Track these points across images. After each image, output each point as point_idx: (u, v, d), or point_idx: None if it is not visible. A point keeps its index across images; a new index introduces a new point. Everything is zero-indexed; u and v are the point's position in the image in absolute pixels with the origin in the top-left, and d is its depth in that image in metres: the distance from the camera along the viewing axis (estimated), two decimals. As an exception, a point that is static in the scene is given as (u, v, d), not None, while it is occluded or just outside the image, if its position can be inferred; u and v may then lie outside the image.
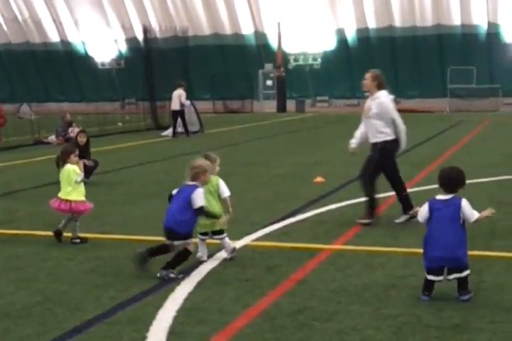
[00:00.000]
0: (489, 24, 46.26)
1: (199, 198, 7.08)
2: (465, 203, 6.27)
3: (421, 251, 7.96)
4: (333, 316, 5.88)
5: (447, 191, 6.37)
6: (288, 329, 5.61)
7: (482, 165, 15.73)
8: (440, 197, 6.40)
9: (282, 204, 11.25)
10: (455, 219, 6.25)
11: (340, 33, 49.01)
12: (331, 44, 49.41)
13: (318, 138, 25.78)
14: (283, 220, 9.90)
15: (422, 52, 47.10)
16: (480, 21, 46.40)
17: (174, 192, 7.35)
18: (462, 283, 6.21)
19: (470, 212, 6.27)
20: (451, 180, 6.40)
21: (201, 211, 7.12)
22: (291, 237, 8.84)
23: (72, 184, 8.72)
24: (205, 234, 7.74)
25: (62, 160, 8.93)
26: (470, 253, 7.74)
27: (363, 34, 48.33)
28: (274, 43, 48.74)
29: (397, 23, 47.67)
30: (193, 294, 6.55)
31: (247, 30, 51.17)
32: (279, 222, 9.75)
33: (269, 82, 49.48)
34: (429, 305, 6.13)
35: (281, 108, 45.23)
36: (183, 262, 7.13)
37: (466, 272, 6.18)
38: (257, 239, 8.78)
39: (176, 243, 7.11)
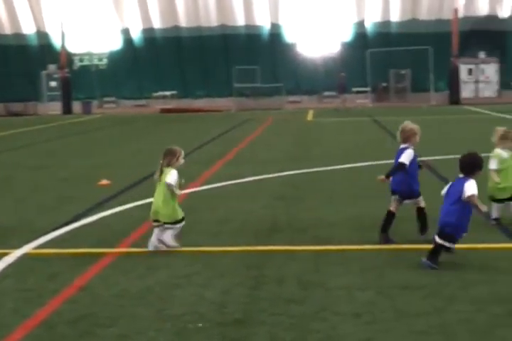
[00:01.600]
0: (272, 25, 47.88)
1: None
2: (469, 183, 7.01)
3: (207, 249, 8.11)
4: (116, 321, 5.78)
5: (464, 174, 7.15)
6: (68, 337, 5.43)
7: (266, 162, 16.22)
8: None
9: (66, 209, 10.93)
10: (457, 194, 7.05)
11: (126, 33, 48.63)
12: (116, 44, 48.88)
13: (106, 139, 25.39)
14: (66, 225, 9.60)
15: (207, 53, 47.83)
16: (263, 22, 47.89)
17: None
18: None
19: (468, 189, 6.95)
20: (466, 164, 7.17)
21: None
22: (75, 243, 8.59)
23: None
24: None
25: None
26: (252, 248, 7.98)
27: (149, 34, 48.27)
28: (57, 43, 47.41)
29: (183, 23, 48.06)
30: (-33, 308, 6.18)
31: (28, 29, 49.39)
32: (63, 228, 9.45)
33: (53, 83, 48.05)
34: (212, 301, 6.19)
35: (67, 110, 44.10)
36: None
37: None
38: (38, 247, 8.44)
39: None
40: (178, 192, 8.24)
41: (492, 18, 46.50)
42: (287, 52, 47.48)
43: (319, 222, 9.44)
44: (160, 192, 8.18)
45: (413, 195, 8.30)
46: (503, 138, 9.09)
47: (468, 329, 5.42)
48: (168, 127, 30.00)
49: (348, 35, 47.74)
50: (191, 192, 12.16)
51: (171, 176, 8.13)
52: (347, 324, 5.59)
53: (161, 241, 8.02)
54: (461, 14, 44.67)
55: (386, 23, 47.38)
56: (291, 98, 46.58)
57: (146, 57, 48.03)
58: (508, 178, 8.95)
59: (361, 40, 47.15)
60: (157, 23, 48.26)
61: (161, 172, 8.25)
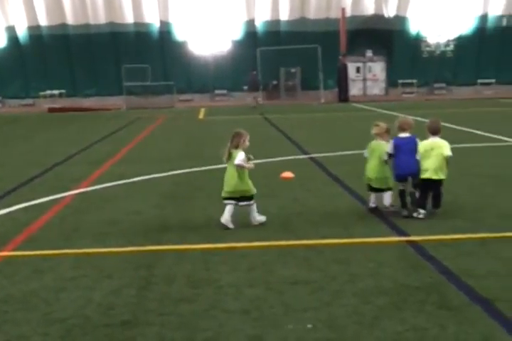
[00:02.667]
0: (161, 23, 47.52)
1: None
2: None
3: (95, 250, 7.97)
4: (-2, 327, 5.60)
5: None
6: None
7: (157, 161, 16.08)
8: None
9: None
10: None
11: (11, 30, 47.19)
12: (1, 42, 47.38)
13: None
14: None
15: (96, 51, 47.02)
16: (152, 20, 47.47)
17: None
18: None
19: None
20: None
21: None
22: (-44, 247, 8.27)
23: None
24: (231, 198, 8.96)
25: None
26: (141, 248, 7.88)
27: (35, 32, 46.99)
28: None
29: (70, 21, 47.07)
30: None
31: None
32: None
33: None
34: (99, 303, 6.08)
35: (-49, 109, 42.52)
36: None
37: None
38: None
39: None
40: (250, 165, 9.09)
41: (378, 18, 47.70)
42: (178, 51, 47.25)
43: (210, 221, 9.42)
44: (233, 173, 9.00)
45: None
46: (387, 131, 9.55)
47: (355, 321, 5.53)
48: (56, 127, 29.32)
49: (238, 33, 47.95)
50: (79, 193, 11.92)
51: (239, 156, 8.94)
52: (235, 321, 5.60)
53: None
54: (348, 13, 45.63)
55: (275, 22, 47.85)
56: (183, 96, 46.42)
57: (32, 55, 46.77)
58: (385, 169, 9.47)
59: (251, 39, 47.46)
60: (43, 21, 47.06)
61: (229, 154, 9.04)
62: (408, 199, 9.32)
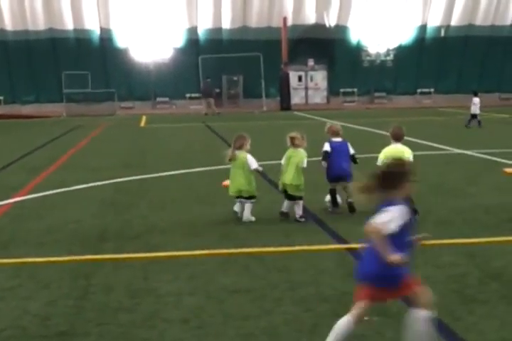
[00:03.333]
0: (101, 29, 47.10)
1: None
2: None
3: (32, 260, 7.83)
4: None
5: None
6: None
7: (98, 169, 15.89)
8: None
9: None
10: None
11: None
12: None
13: None
14: None
15: (35, 57, 46.28)
16: (92, 26, 47.02)
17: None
18: None
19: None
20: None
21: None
22: None
23: None
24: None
25: None
26: (79, 257, 7.77)
27: (-28, 37, 46.12)
28: None
29: (8, 26, 46.29)
30: None
31: None
32: None
33: None
34: (35, 314, 5.97)
35: None
36: None
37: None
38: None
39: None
40: (261, 168, 10.07)
41: (320, 27, 48.11)
42: (119, 58, 46.85)
43: (151, 229, 9.35)
44: (240, 173, 9.81)
45: None
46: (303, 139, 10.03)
47: (295, 329, 5.54)
48: (-5, 134, 28.78)
49: (180, 41, 47.84)
50: (16, 202, 11.70)
51: (251, 160, 9.80)
52: (175, 330, 5.56)
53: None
54: (290, 22, 45.94)
55: (217, 30, 47.89)
56: (124, 104, 46.03)
57: (-31, 61, 45.86)
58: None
59: (193, 47, 47.38)
60: (-20, 26, 46.18)
61: (234, 155, 9.84)
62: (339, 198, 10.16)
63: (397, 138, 9.72)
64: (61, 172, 15.38)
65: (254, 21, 47.82)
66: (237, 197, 9.90)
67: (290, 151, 9.90)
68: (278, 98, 44.35)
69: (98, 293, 6.55)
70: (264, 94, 44.26)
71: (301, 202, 9.80)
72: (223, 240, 8.60)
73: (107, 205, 11.20)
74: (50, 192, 12.66)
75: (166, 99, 47.80)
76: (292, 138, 9.83)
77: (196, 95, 46.03)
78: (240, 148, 9.87)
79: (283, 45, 43.55)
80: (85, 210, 10.77)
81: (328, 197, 10.29)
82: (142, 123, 33.46)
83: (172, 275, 7.09)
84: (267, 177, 13.72)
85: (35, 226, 9.70)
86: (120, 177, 14.25)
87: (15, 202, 11.63)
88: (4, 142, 24.51)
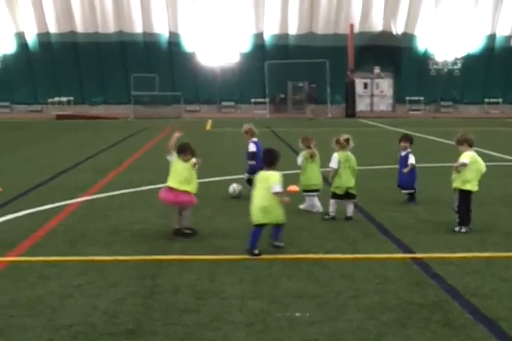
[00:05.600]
0: (170, 33, 47.70)
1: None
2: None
3: (100, 258, 7.98)
4: (3, 331, 5.63)
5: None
6: (-48, 350, 5.24)
7: (163, 170, 16.02)
8: None
9: (-47, 217, 10.54)
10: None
11: (20, 36, 47.40)
12: (10, 48, 47.60)
13: (-2, 145, 24.64)
14: (-47, 233, 9.26)
15: (105, 59, 47.20)
16: (161, 30, 47.66)
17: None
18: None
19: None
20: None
21: None
22: (-38, 251, 8.30)
23: None
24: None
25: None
26: (146, 257, 7.90)
27: (44, 39, 47.19)
28: None
29: (79, 28, 47.27)
30: None
31: None
32: (-51, 236, 9.11)
33: None
34: (104, 311, 6.09)
35: (-42, 114, 42.63)
36: None
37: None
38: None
39: None
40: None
41: (386, 34, 47.84)
42: (186, 61, 47.39)
43: (215, 231, 9.45)
44: (318, 169, 11.11)
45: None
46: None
47: (359, 337, 5.53)
48: (64, 134, 29.41)
49: (246, 46, 48.11)
50: (85, 201, 11.95)
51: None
52: (240, 333, 5.61)
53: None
54: (356, 29, 45.77)
55: (284, 36, 48.02)
56: (190, 107, 46.55)
57: (41, 61, 46.95)
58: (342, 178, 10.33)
59: (259, 52, 47.61)
60: (53, 28, 47.27)
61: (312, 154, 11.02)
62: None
63: (473, 144, 9.74)
64: (128, 173, 15.64)
65: (321, 28, 47.80)
66: (313, 191, 10.91)
67: (343, 155, 10.26)
68: (343, 105, 44.22)
69: (164, 293, 6.65)
70: (329, 101, 44.17)
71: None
72: (287, 245, 8.61)
73: (172, 206, 11.31)
74: (118, 192, 12.88)
75: (232, 103, 48.14)
76: (347, 140, 10.31)
77: (261, 100, 46.23)
78: (309, 147, 11.00)
79: (349, 52, 43.43)
80: (152, 211, 10.94)
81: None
82: (208, 127, 33.75)
83: (237, 278, 7.15)
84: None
85: (102, 225, 9.89)
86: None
87: (83, 202, 11.87)
88: (73, 142, 25.01)
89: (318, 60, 43.75)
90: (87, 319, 5.92)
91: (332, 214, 10.28)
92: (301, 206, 11.15)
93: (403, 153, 11.72)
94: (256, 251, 8.03)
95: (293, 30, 48.02)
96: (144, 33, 47.52)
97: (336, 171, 10.24)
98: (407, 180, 11.60)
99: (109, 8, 47.04)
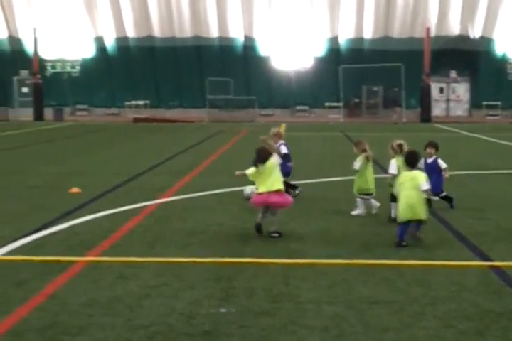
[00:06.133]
0: (245, 38, 48.04)
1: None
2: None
3: (177, 260, 8.10)
4: (84, 330, 5.76)
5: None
6: (35, 346, 5.41)
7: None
8: None
9: (35, 217, 10.84)
10: None
11: (99, 40, 48.49)
12: (89, 52, 48.71)
13: (77, 147, 25.24)
14: (36, 233, 9.53)
15: (181, 63, 47.85)
16: (237, 34, 48.04)
17: None
18: None
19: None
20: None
21: None
22: (44, 250, 8.54)
23: None
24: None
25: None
26: (222, 260, 7.99)
27: (123, 43, 48.17)
28: (30, 49, 47.11)
29: (157, 33, 48.05)
30: None
31: (0, 34, 49.09)
32: (32, 235, 9.38)
33: (25, 89, 47.76)
34: (181, 312, 6.18)
35: (39, 116, 43.79)
36: None
37: None
38: (6, 254, 8.37)
39: None
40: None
41: (463, 38, 47.11)
42: (261, 65, 47.64)
43: (290, 235, 9.47)
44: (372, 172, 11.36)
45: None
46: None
47: (436, 345, 5.48)
48: (140, 136, 29.94)
49: (321, 50, 48.05)
50: (162, 203, 12.15)
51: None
52: (315, 337, 5.61)
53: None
54: (433, 33, 45.20)
55: (359, 40, 47.80)
56: (264, 111, 46.75)
57: (119, 65, 47.93)
58: None
59: (334, 56, 47.51)
60: (131, 32, 48.20)
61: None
62: None
63: None
64: (204, 176, 15.83)
65: (397, 31, 47.41)
66: (368, 195, 11.03)
67: (400, 160, 10.05)
68: (418, 109, 43.72)
69: (240, 296, 6.71)
70: (404, 105, 43.74)
71: None
72: (361, 251, 8.59)
73: (247, 209, 11.38)
74: (193, 194, 13.05)
75: (305, 107, 48.15)
76: (400, 146, 10.42)
77: (335, 104, 46.11)
78: (365, 150, 11.22)
79: (425, 56, 42.93)
80: (227, 213, 11.05)
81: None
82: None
83: (312, 282, 7.16)
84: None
85: (179, 227, 10.04)
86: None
87: (160, 204, 12.07)
88: (150, 145, 25.43)
89: (394, 64, 43.37)
90: (164, 319, 6.01)
91: (394, 216, 10.19)
92: (354, 212, 11.07)
93: (429, 160, 11.63)
94: (404, 243, 8.76)
95: (368, 34, 47.75)
96: (220, 38, 47.98)
97: (394, 176, 10.01)
98: (436, 186, 11.22)
99: (186, 13, 47.68)
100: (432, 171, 11.21)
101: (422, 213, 8.81)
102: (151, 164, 18.18)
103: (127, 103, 46.88)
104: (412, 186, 8.78)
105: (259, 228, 9.40)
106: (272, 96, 47.91)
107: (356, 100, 47.20)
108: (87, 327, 5.81)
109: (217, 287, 6.99)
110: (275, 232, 9.38)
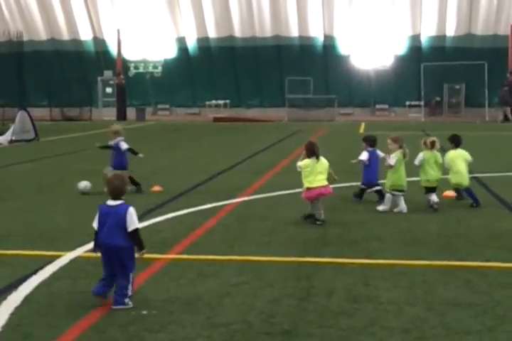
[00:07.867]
0: (325, 36, 47.90)
1: None
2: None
3: (257, 258, 8.13)
4: (165, 326, 5.85)
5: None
6: (118, 341, 5.53)
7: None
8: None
9: (118, 214, 11.04)
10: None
11: (181, 41, 49.13)
12: (171, 52, 49.40)
13: (158, 146, 25.61)
14: (118, 230, 9.71)
15: (261, 63, 48.03)
16: (317, 33, 47.93)
17: None
18: None
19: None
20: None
21: None
22: (127, 247, 8.70)
23: None
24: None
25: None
26: (301, 259, 7.99)
27: (204, 43, 48.68)
28: (113, 50, 48.11)
29: (237, 33, 48.38)
30: (20, 308, 6.31)
31: (85, 35, 50.28)
32: (115, 232, 9.56)
33: (108, 90, 48.78)
34: (260, 311, 6.22)
35: (122, 116, 44.63)
36: None
37: None
38: (86, 251, 8.56)
39: None
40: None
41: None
42: (340, 64, 47.39)
43: (369, 235, 9.42)
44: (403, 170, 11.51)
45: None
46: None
47: (520, 349, 5.36)
48: (221, 135, 30.21)
49: (401, 48, 47.48)
50: (242, 201, 12.24)
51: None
52: (396, 339, 5.57)
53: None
54: (517, 30, 44.10)
55: (441, 38, 47.03)
56: (343, 110, 46.48)
57: (200, 65, 48.43)
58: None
59: (415, 54, 46.86)
60: (212, 33, 48.66)
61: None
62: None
63: None
64: (284, 175, 15.86)
65: (480, 29, 46.43)
66: (400, 191, 11.26)
67: (429, 154, 11.44)
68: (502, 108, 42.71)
69: (319, 296, 6.70)
70: (487, 104, 42.82)
71: None
72: (442, 252, 8.47)
73: (326, 209, 11.35)
74: (273, 193, 13.10)
75: (386, 106, 47.68)
76: (432, 143, 11.43)
77: (416, 103, 45.48)
78: (401, 146, 11.51)
79: (510, 54, 41.87)
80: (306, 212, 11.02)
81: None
82: (361, 130, 33.59)
83: (391, 283, 7.10)
84: (491, 190, 13.31)
85: (259, 225, 10.10)
86: (339, 183, 14.38)
87: (240, 202, 12.17)
88: (229, 144, 25.62)
89: (476, 62, 42.49)
90: (244, 318, 6.06)
91: (435, 206, 11.11)
92: (380, 207, 11.29)
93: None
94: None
95: (450, 31, 46.94)
96: (300, 37, 47.95)
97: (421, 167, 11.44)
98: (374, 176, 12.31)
99: (266, 12, 47.82)
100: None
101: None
102: (231, 163, 18.33)
103: (208, 102, 47.31)
104: (464, 159, 11.58)
105: (310, 217, 10.24)
106: (351, 95, 47.60)
107: (438, 99, 46.43)
108: (168, 324, 5.91)
109: (297, 286, 7.00)
110: (323, 220, 10.08)
